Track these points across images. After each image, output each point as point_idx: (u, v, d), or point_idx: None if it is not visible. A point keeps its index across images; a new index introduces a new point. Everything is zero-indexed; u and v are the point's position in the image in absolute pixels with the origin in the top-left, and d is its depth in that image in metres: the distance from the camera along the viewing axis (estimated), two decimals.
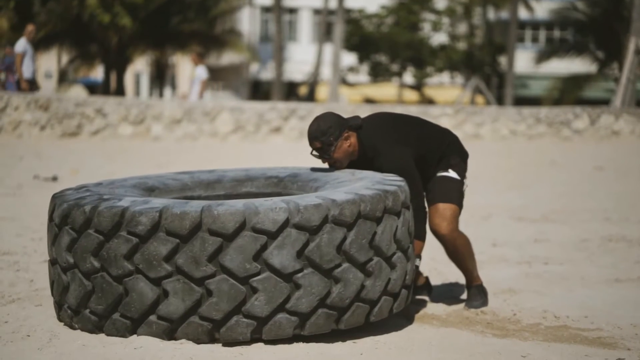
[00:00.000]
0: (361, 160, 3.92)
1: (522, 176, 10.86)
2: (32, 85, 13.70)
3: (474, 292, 4.24)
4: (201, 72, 14.52)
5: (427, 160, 4.01)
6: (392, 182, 3.55)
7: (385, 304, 3.47)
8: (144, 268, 3.11)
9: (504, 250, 5.97)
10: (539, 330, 3.86)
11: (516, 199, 8.78)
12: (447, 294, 4.61)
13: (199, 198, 3.92)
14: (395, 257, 3.48)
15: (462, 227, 6.87)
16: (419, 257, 3.85)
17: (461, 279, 4.90)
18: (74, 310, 3.27)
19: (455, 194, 4.06)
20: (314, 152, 3.84)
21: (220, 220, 3.05)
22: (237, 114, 13.68)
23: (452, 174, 4.06)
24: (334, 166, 3.89)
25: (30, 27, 13.72)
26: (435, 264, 5.41)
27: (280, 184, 3.92)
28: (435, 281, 4.90)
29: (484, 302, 4.22)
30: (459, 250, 4.14)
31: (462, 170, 4.12)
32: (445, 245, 4.13)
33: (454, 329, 3.83)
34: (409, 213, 3.62)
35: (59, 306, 3.40)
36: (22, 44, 13.47)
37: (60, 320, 3.46)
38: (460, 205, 4.10)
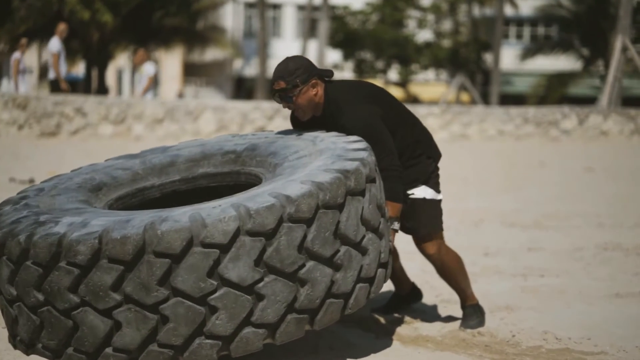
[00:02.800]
0: (326, 118, 3.58)
1: (512, 178, 10.69)
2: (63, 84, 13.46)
3: (470, 312, 4.02)
4: (149, 68, 14.28)
5: (396, 138, 3.61)
6: (354, 154, 3.24)
7: (361, 292, 3.20)
8: (91, 300, 2.85)
9: (497, 260, 5.76)
10: (540, 354, 3.64)
11: (507, 203, 8.60)
12: (440, 311, 4.39)
13: (152, 188, 3.63)
14: (366, 240, 3.19)
15: (454, 234, 6.68)
16: (397, 219, 3.50)
17: (455, 293, 4.68)
18: (27, 345, 3.02)
19: (437, 220, 3.82)
20: (277, 96, 3.50)
21: (165, 240, 2.79)
22: (220, 113, 13.41)
23: (429, 193, 3.77)
24: (296, 114, 3.57)
25: (62, 26, 13.39)
26: (426, 276, 5.18)
27: (238, 160, 3.60)
28: (427, 297, 4.68)
29: (481, 322, 4.00)
30: (448, 268, 3.90)
31: (437, 180, 3.84)
32: (434, 264, 3.91)
33: (450, 353, 3.62)
34: (377, 185, 3.30)
35: (12, 337, 3.15)
36: (56, 44, 13.17)
37: (17, 349, 3.21)
38: (442, 227, 3.88)
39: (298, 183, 3.01)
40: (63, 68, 13.41)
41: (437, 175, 3.86)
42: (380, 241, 3.28)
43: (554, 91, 28.73)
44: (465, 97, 31.06)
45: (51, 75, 13.54)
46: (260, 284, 2.89)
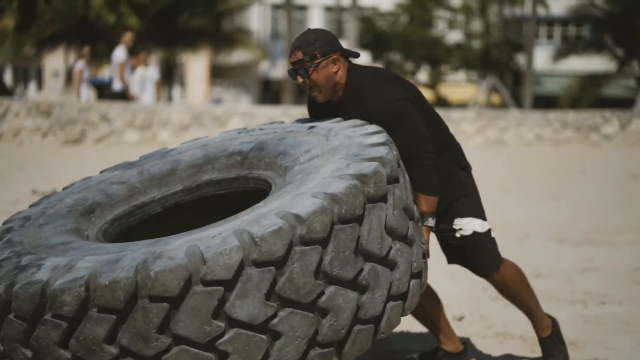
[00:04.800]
0: (346, 103, 3.12)
1: (553, 186, 10.22)
2: (124, 95, 13.38)
3: (549, 347, 3.48)
4: (153, 72, 14.04)
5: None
6: (372, 151, 2.79)
7: (393, 312, 2.77)
8: (84, 355, 2.46)
9: (550, 283, 5.31)
10: None
11: (551, 215, 8.14)
12: (496, 347, 3.95)
13: (152, 203, 3.23)
14: (393, 252, 2.74)
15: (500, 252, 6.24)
16: (432, 215, 3.06)
17: (511, 324, 4.25)
18: None
19: (496, 256, 3.32)
20: (292, 69, 3.08)
21: (160, 281, 2.39)
22: (248, 119, 13.05)
23: (478, 225, 3.27)
24: (311, 93, 3.12)
25: (128, 35, 13.31)
26: (475, 304, 4.75)
27: (245, 163, 3.16)
28: (479, 329, 4.23)
29: (565, 357, 3.50)
30: (510, 286, 3.40)
31: (478, 202, 3.31)
32: (494, 284, 3.41)
33: None
34: (401, 185, 2.83)
35: None
36: (122, 53, 13.05)
37: None
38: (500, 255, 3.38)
39: (309, 197, 2.59)
40: (128, 76, 13.30)
41: (478, 196, 3.33)
42: (410, 249, 2.84)
43: (588, 92, 28.16)
44: (495, 98, 30.50)
45: (116, 86, 13.41)
46: (275, 320, 2.49)
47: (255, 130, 3.32)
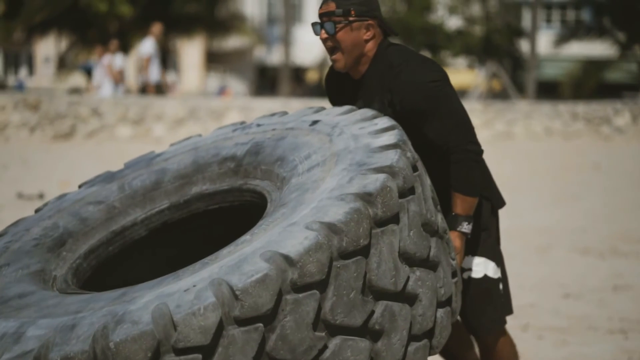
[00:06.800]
0: (370, 81, 2.66)
1: (567, 184, 9.77)
2: (159, 88, 13.04)
3: None
4: (118, 60, 13.80)
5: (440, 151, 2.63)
6: (380, 158, 2.31)
7: (417, 355, 2.31)
8: None
9: (583, 307, 4.85)
10: None
11: (570, 219, 7.70)
12: None
13: (134, 226, 2.78)
14: (412, 283, 2.28)
15: (520, 265, 5.78)
16: (468, 219, 2.60)
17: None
18: None
19: (499, 313, 2.76)
20: (317, 24, 2.64)
21: (122, 354, 1.98)
22: (246, 112, 12.54)
23: (491, 269, 2.73)
24: (332, 57, 2.66)
25: (157, 27, 12.91)
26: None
27: (239, 171, 2.71)
28: None
29: None
30: (501, 357, 2.83)
31: (496, 244, 2.80)
32: (485, 344, 2.83)
33: None
34: (418, 196, 2.33)
35: None
36: (149, 46, 12.74)
37: None
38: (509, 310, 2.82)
39: (301, 229, 2.14)
40: (155, 71, 12.90)
41: (498, 233, 2.80)
42: (435, 273, 2.35)
43: (590, 78, 27.81)
44: (496, 84, 30.06)
45: (153, 78, 13.20)
46: None
47: (252, 126, 2.83)
